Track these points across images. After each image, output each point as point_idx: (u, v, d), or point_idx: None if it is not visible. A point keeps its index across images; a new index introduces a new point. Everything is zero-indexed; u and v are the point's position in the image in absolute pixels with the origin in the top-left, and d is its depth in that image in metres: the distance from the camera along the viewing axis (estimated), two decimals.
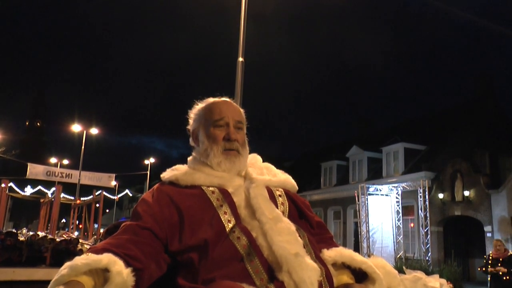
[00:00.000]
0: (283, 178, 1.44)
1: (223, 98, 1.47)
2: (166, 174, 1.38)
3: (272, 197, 1.31)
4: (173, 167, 1.42)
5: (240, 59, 7.96)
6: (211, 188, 1.30)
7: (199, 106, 1.47)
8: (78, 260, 1.02)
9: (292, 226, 1.21)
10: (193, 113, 1.47)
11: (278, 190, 1.37)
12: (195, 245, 1.17)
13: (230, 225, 1.20)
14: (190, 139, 1.47)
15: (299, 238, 1.19)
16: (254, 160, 1.50)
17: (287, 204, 1.34)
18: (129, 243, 1.14)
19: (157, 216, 1.22)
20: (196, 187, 1.31)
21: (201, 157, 1.39)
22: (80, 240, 4.57)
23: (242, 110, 1.49)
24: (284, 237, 1.16)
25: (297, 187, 1.48)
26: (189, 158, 1.46)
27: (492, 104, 21.08)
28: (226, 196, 1.28)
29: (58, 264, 4.15)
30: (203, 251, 1.16)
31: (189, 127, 1.48)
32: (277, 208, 1.28)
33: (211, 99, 1.46)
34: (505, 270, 8.00)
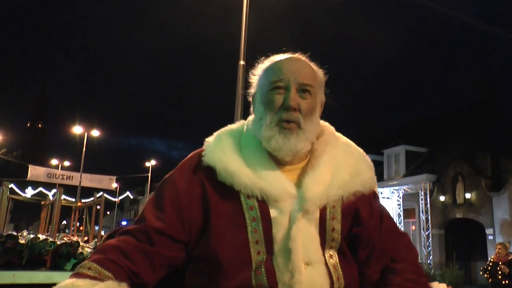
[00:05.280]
0: (358, 182, 1.11)
1: (291, 55, 1.15)
2: (210, 152, 1.11)
3: (323, 227, 1.06)
4: (221, 134, 1.16)
5: (242, 62, 7.99)
6: (250, 202, 1.05)
7: (262, 65, 1.18)
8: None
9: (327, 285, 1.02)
10: (254, 74, 1.19)
11: (338, 210, 1.08)
12: (213, 262, 1.03)
13: (258, 259, 1.02)
14: (251, 108, 1.20)
15: None
16: (327, 141, 1.16)
17: (340, 238, 1.08)
18: (138, 252, 1.01)
19: (183, 211, 1.06)
20: (235, 192, 1.06)
21: (254, 129, 1.12)
22: (81, 243, 4.55)
23: (317, 70, 1.16)
24: None
25: (374, 184, 1.16)
26: (245, 126, 1.19)
27: (493, 106, 21.04)
28: (264, 219, 1.04)
29: (58, 267, 4.15)
30: (218, 272, 1.02)
31: (249, 90, 1.21)
32: (324, 249, 1.05)
33: (276, 56, 1.16)
34: (507, 270, 7.89)
